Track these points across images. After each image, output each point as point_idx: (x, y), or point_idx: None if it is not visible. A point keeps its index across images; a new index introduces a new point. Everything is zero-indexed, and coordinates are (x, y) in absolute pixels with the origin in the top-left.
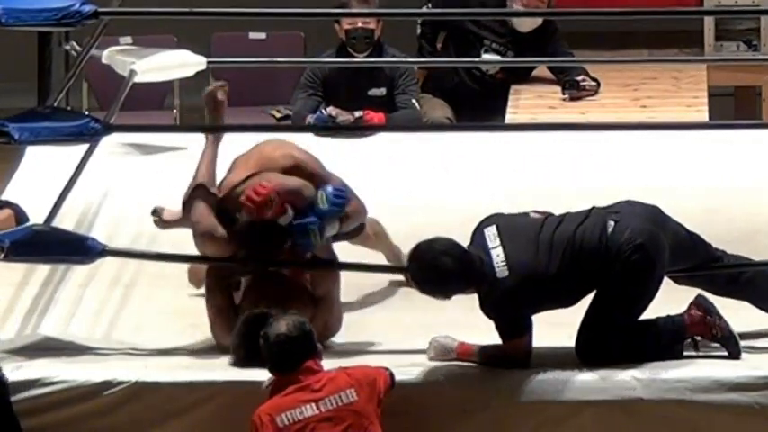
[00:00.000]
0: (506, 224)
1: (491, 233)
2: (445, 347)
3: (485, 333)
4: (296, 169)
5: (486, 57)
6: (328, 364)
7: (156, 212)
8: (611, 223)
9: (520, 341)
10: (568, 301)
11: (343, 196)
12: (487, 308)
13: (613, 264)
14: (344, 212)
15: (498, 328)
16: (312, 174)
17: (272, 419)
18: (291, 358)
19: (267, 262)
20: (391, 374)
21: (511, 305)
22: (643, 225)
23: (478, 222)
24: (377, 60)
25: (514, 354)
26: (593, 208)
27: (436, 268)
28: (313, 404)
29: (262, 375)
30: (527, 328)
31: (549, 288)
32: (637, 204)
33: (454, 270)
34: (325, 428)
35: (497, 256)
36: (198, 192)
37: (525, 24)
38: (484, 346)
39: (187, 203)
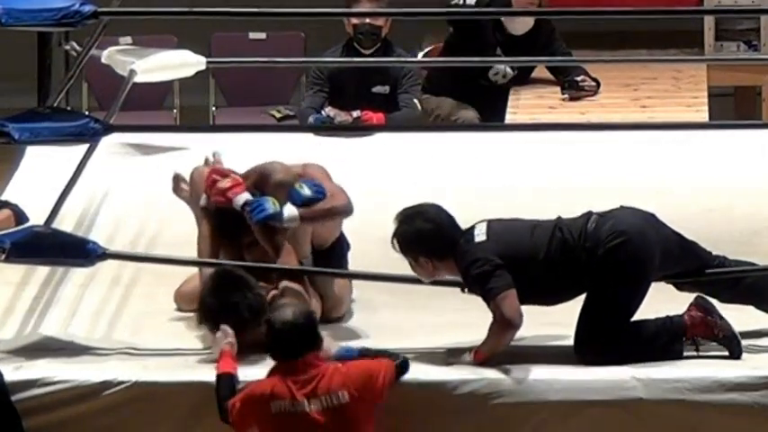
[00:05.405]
0: (497, 222)
1: (479, 226)
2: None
3: (483, 333)
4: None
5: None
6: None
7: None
8: (595, 217)
9: (507, 294)
10: (552, 296)
11: (321, 191)
12: (464, 269)
13: (596, 251)
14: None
15: (482, 290)
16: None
17: (268, 403)
18: (294, 346)
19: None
20: (400, 364)
21: (484, 259)
22: (629, 220)
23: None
24: (379, 60)
25: (505, 316)
26: (588, 212)
27: (418, 214)
28: (306, 400)
29: (260, 374)
30: (510, 283)
31: (527, 268)
32: (629, 208)
33: (432, 227)
34: (312, 428)
35: (479, 228)
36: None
37: (518, 27)
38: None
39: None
